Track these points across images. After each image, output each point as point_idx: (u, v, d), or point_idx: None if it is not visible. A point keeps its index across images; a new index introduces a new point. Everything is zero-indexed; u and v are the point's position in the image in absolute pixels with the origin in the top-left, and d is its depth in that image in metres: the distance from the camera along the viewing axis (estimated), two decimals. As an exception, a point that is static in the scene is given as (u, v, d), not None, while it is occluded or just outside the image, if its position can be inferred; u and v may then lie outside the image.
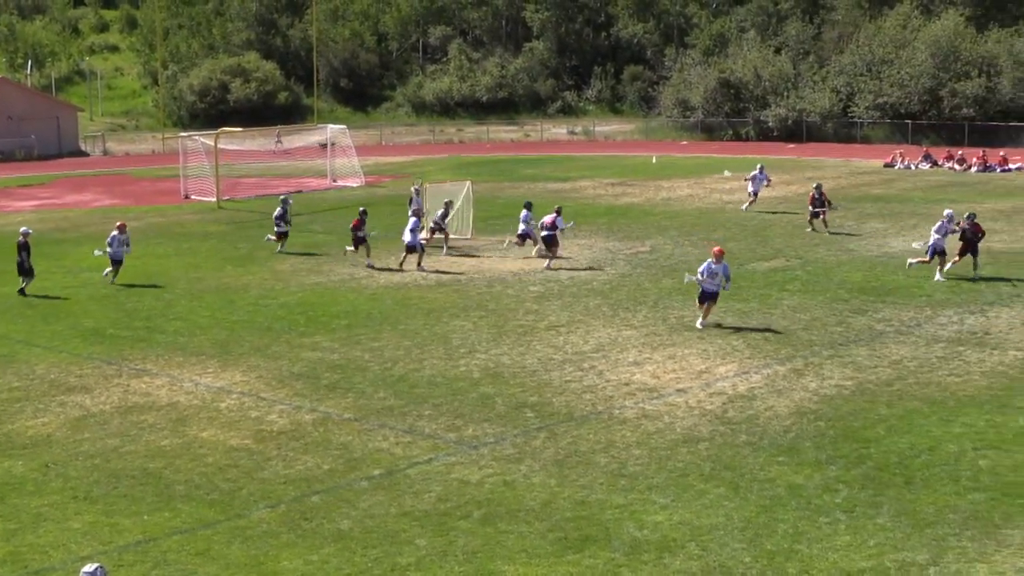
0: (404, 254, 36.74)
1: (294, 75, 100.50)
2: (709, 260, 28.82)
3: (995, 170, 61.66)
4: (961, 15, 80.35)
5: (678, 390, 23.84)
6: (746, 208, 48.32)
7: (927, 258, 34.00)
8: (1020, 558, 15.95)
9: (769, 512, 17.61)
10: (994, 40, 77.35)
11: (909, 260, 34.66)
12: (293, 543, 16.77)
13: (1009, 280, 33.44)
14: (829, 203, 43.04)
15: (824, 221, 42.69)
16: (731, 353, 26.56)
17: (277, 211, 41.08)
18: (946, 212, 34.61)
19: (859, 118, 78.55)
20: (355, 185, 61.02)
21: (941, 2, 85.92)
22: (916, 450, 20.13)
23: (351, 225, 38.17)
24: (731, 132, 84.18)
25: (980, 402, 22.63)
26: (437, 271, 36.32)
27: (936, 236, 33.60)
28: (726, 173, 61.43)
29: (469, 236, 41.68)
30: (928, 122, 75.68)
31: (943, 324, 28.76)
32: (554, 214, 37.14)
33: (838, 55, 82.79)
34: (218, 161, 56.70)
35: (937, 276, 33.45)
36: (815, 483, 18.71)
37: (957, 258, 33.60)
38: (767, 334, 28.18)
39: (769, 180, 49.35)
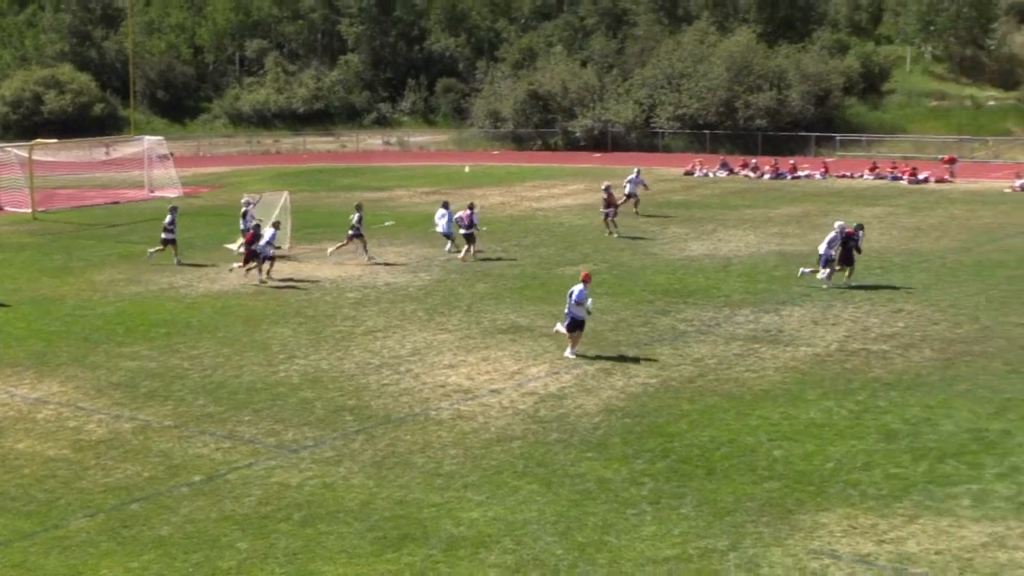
0: (259, 263, 35.68)
1: (110, 87, 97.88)
2: (580, 286, 26.21)
3: (786, 177, 63.55)
4: (753, 32, 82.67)
5: (492, 391, 23.99)
6: (636, 212, 48.43)
7: (820, 267, 33.96)
8: (811, 540, 16.49)
9: (580, 506, 17.85)
10: (783, 55, 79.72)
11: (801, 269, 34.74)
12: (113, 551, 16.37)
13: (802, 281, 34.50)
14: (616, 206, 44.16)
15: (613, 221, 43.50)
16: (542, 354, 26.83)
17: (167, 219, 39.35)
18: (837, 224, 34.28)
19: (661, 128, 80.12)
20: (173, 196, 59.85)
21: (735, 19, 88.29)
22: (716, 443, 20.64)
23: (245, 240, 36.56)
24: (540, 142, 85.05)
25: (774, 396, 23.30)
26: (262, 281, 35.78)
27: (827, 247, 33.56)
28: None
29: (287, 246, 41.19)
30: (724, 132, 77.56)
31: (740, 323, 29.54)
32: (468, 210, 38.53)
33: (640, 68, 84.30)
34: (32, 172, 54.96)
35: (824, 280, 33.52)
36: (623, 477, 19.04)
37: (839, 266, 33.88)
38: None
39: (646, 185, 50.17)
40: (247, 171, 73.93)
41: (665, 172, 67.79)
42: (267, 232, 36.17)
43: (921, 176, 60.38)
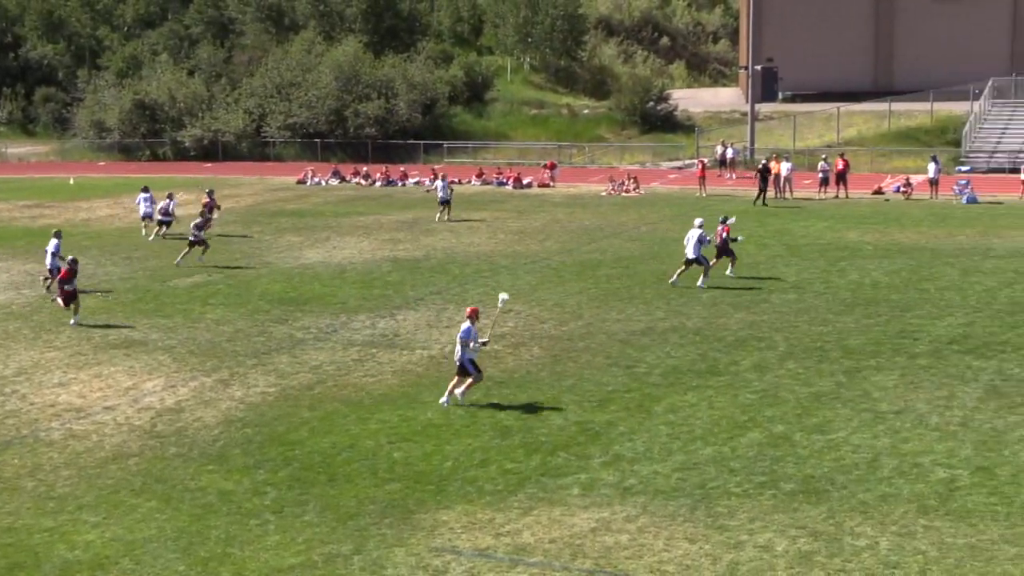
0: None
1: None
2: (466, 324, 22.87)
3: (397, 184, 64.42)
4: (360, 41, 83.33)
5: (106, 408, 23.12)
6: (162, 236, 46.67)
7: (711, 262, 34.49)
8: (433, 538, 16.78)
9: (201, 520, 17.47)
10: (390, 65, 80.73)
11: (699, 283, 34.13)
12: None
13: (411, 286, 35.05)
14: (218, 207, 44.40)
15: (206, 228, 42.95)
16: (157, 368, 26.09)
17: (51, 245, 34.76)
18: (696, 221, 34.30)
19: (272, 137, 79.49)
20: None
21: (341, 29, 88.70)
22: (337, 448, 20.68)
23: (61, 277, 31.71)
24: (149, 152, 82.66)
25: (393, 399, 23.58)
26: None
27: (695, 246, 33.63)
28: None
29: None
30: (335, 140, 77.78)
31: (357, 329, 29.71)
32: (167, 199, 42.44)
33: (249, 78, 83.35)
34: None
35: (700, 282, 33.85)
36: (245, 488, 18.77)
37: (715, 260, 34.65)
38: (192, 347, 27.93)
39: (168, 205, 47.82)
40: None
41: (277, 181, 67.33)
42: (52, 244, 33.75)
43: (525, 181, 62.56)
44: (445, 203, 48.97)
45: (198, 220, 40.26)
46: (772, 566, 15.73)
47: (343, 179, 66.60)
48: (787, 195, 54.18)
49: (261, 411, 22.84)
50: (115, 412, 22.84)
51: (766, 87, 75.42)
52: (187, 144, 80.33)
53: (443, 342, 28.00)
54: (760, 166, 53.16)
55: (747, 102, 71.82)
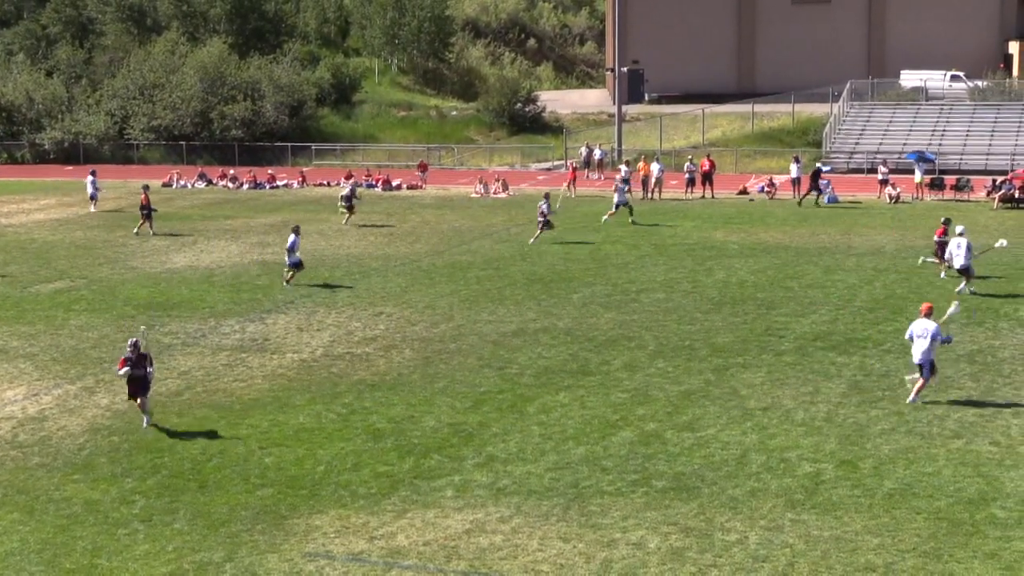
0: None
1: None
2: (929, 323, 22.71)
3: (265, 187, 63.73)
4: (225, 43, 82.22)
5: (-35, 419, 22.48)
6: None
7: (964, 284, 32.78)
8: (306, 544, 16.66)
9: (67, 531, 17.10)
10: (256, 67, 79.79)
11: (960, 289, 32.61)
12: None
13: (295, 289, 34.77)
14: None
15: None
16: (19, 376, 25.45)
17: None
18: (958, 229, 33.30)
19: (135, 140, 78.03)
20: None
21: (205, 30, 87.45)
22: (207, 455, 20.40)
23: None
24: (6, 155, 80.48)
25: (264, 404, 23.33)
26: None
27: (966, 254, 32.13)
28: None
29: None
30: (201, 143, 76.64)
31: (227, 333, 29.33)
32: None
33: (111, 79, 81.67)
34: None
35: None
36: (112, 497, 18.41)
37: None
38: (56, 355, 27.30)
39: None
40: None
41: (142, 184, 66.05)
42: None
43: (394, 183, 62.39)
44: (348, 206, 48.43)
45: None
46: (644, 563, 15.92)
47: (210, 182, 65.66)
48: (656, 196, 54.86)
49: (128, 418, 22.42)
50: (-25, 422, 22.24)
51: (632, 89, 76.25)
52: (47, 147, 78.40)
53: (314, 345, 27.81)
54: (814, 169, 52.94)
55: (614, 104, 72.54)
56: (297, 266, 35.39)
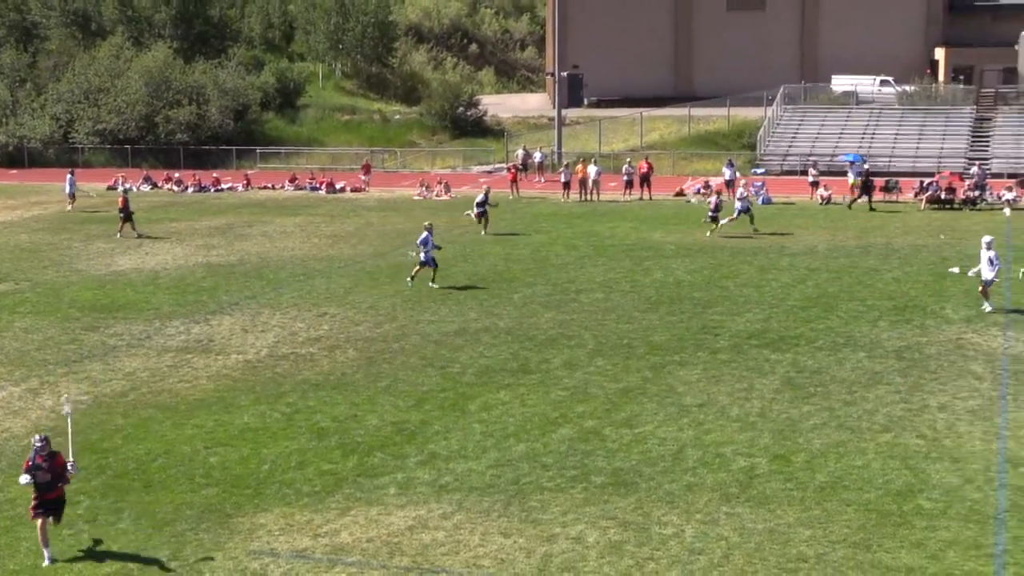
0: None
1: None
2: None
3: (210, 190, 63.27)
4: (170, 47, 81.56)
5: (-91, 421, 22.15)
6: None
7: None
8: (251, 542, 16.58)
9: (11, 532, 16.98)
10: (201, 71, 79.21)
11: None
12: None
13: (228, 291, 34.53)
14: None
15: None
16: (-36, 379, 25.13)
17: None
18: (986, 239, 30.18)
19: (80, 144, 77.21)
20: None
21: (150, 35, 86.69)
22: (153, 455, 20.25)
23: None
24: (-49, 159, 79.37)
25: (209, 404, 23.19)
26: None
27: (990, 268, 29.63)
28: None
29: None
30: (147, 146, 75.95)
31: (172, 335, 29.11)
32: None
33: (55, 83, 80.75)
34: None
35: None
36: (57, 498, 18.20)
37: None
38: (0, 357, 26.97)
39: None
40: None
41: (88, 187, 65.36)
42: None
43: (338, 186, 62.14)
44: (482, 212, 44.49)
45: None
46: (584, 557, 15.99)
47: (155, 185, 65.10)
48: (594, 197, 55.03)
49: (73, 419, 22.13)
50: (-81, 425, 21.93)
51: (572, 93, 76.33)
52: (-9, 150, 77.38)
53: (259, 346, 27.66)
54: (864, 176, 52.32)
55: (554, 107, 72.70)
56: (428, 263, 34.38)
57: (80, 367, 26.01)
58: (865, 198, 50.49)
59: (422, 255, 34.31)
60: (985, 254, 29.83)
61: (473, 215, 44.75)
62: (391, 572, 15.70)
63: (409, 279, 34.55)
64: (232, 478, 19.10)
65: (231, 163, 73.36)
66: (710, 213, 43.95)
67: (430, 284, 34.23)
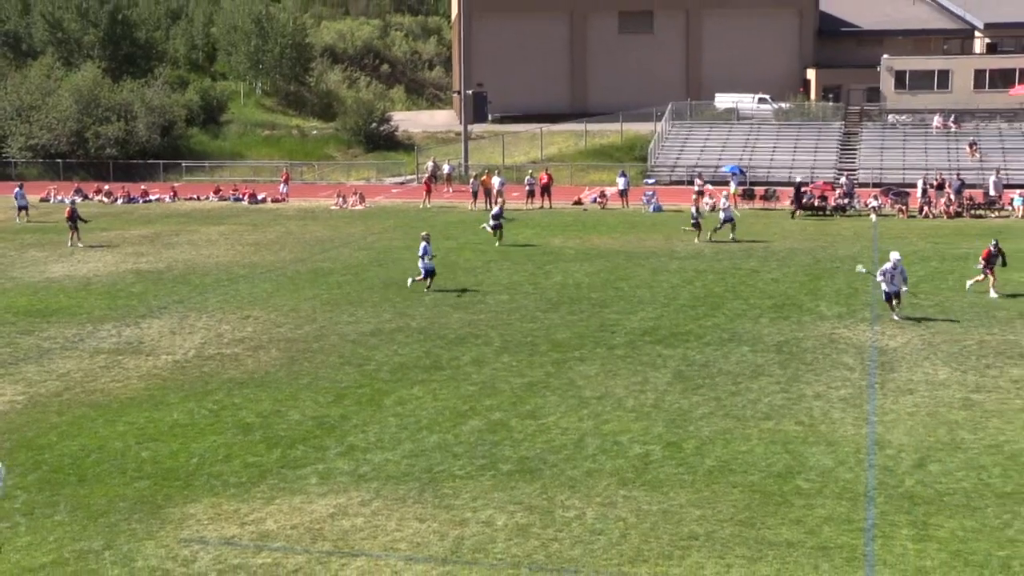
0: None
1: None
2: None
3: (138, 201, 62.27)
4: (98, 67, 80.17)
5: None
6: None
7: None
8: (181, 530, 16.36)
9: (-48, 526, 16.50)
10: (128, 90, 77.89)
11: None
12: None
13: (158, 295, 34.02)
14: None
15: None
16: (-98, 382, 24.44)
17: None
18: (893, 256, 29.25)
19: (13, 158, 75.52)
20: None
21: (80, 56, 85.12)
22: (87, 450, 19.88)
23: None
24: None
25: (139, 402, 22.82)
26: None
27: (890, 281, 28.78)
28: None
29: None
30: (78, 161, 74.46)
31: (104, 337, 28.60)
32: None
33: (-11, 101, 78.89)
34: None
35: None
36: (-6, 493, 17.80)
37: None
38: (-62, 361, 26.30)
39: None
40: None
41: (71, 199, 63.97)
42: None
43: (259, 197, 61.50)
44: (497, 225, 43.49)
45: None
46: (493, 539, 16.01)
47: (86, 197, 63.87)
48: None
49: (9, 418, 21.71)
50: None
51: (477, 109, 76.30)
52: (-76, 165, 75.33)
53: (187, 347, 27.28)
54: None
55: (461, 123, 72.67)
56: (429, 274, 33.92)
57: (15, 369, 25.44)
58: (795, 206, 50.94)
59: (421, 264, 33.91)
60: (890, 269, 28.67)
61: (489, 228, 43.84)
62: (314, 556, 15.58)
63: (425, 288, 33.92)
64: (163, 471, 18.82)
65: (158, 176, 72.25)
66: (692, 220, 44.03)
67: (423, 288, 33.95)
